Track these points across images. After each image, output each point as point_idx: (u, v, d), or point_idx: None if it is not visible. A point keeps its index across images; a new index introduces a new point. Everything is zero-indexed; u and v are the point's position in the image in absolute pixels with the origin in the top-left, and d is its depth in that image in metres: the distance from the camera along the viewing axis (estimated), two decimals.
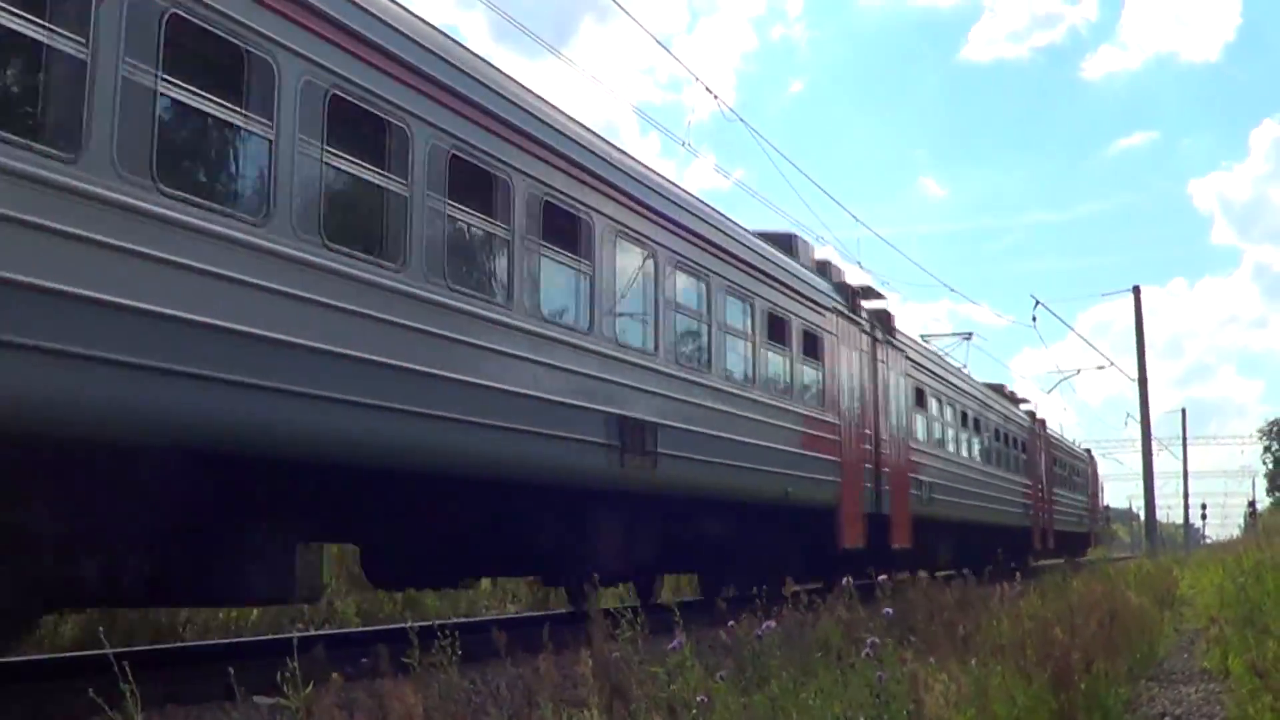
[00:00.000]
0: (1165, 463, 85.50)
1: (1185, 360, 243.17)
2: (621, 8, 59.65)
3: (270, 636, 11.93)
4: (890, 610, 8.27)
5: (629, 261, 12.11)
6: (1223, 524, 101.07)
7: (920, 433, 22.99)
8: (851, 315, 18.90)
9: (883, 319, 20.93)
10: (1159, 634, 13.12)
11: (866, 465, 19.03)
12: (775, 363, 15.72)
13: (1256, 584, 12.68)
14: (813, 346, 17.02)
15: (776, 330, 15.67)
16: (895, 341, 21.39)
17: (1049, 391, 59.68)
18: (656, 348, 12.37)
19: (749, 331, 14.84)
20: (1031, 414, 36.74)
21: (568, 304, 11.07)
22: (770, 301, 15.43)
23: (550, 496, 10.97)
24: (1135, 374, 43.81)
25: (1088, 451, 51.01)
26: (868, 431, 19.29)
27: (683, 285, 13.18)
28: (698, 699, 5.57)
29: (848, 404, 18.29)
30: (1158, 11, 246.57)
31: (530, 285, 10.22)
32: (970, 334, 34.33)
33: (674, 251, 12.85)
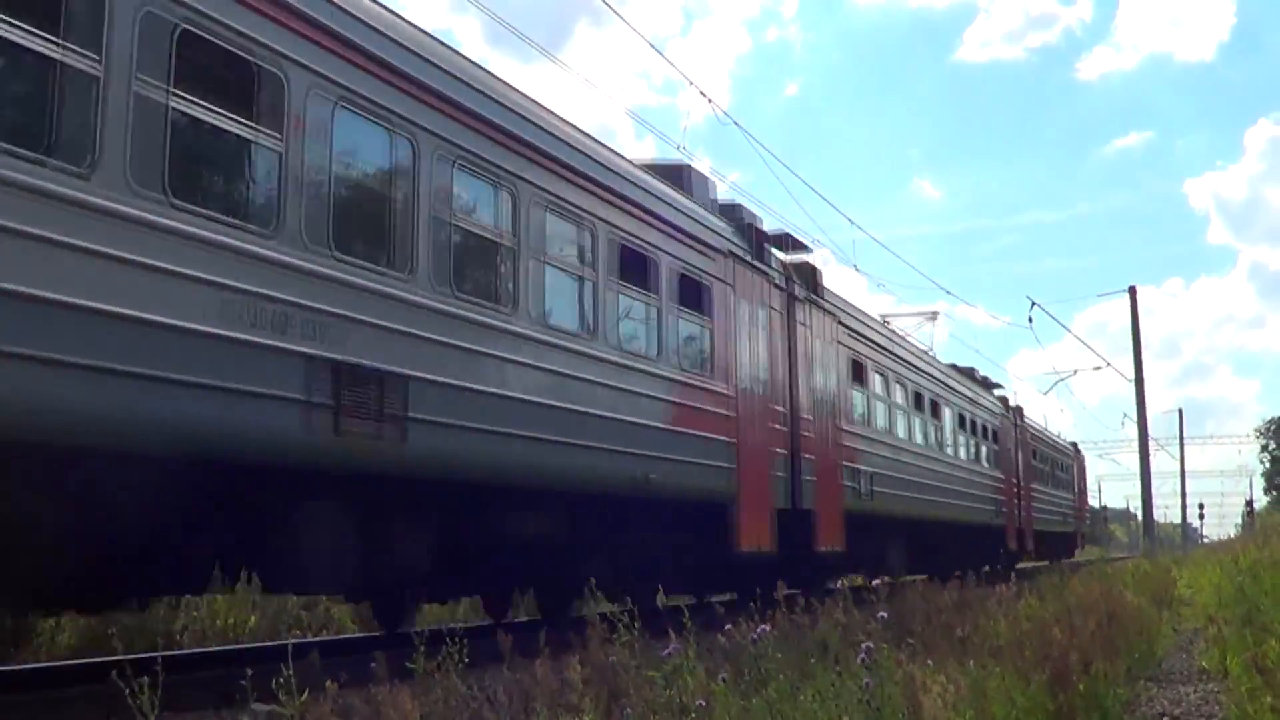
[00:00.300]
0: (1162, 462, 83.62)
1: (1182, 360, 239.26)
2: (615, 11, 56.74)
3: (268, 643, 11.44)
4: (886, 614, 8.08)
5: (361, 144, 8.50)
6: (1220, 523, 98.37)
7: (859, 414, 19.34)
8: (757, 264, 15.26)
9: (805, 274, 17.29)
10: (1157, 634, 12.94)
11: (777, 450, 15.39)
12: (631, 311, 12.09)
13: (1254, 583, 12.51)
14: (695, 296, 13.39)
15: (634, 269, 12.04)
16: (822, 302, 17.73)
17: (1046, 392, 56.86)
18: (412, 269, 8.73)
19: (586, 266, 11.21)
20: (1004, 400, 33.06)
21: (230, 189, 7.46)
22: (624, 231, 11.80)
23: (215, 477, 7.32)
24: (1132, 374, 42.53)
25: (1073, 445, 47.30)
26: (779, 408, 15.65)
27: (466, 191, 9.56)
28: (696, 703, 5.57)
29: (749, 372, 14.65)
30: (1152, 12, 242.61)
31: (142, 151, 6.59)
32: (935, 313, 30.68)
33: (450, 142, 9.22)
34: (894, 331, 23.42)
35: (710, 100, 18.24)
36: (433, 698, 6.20)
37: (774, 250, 16.58)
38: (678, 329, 12.86)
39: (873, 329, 20.63)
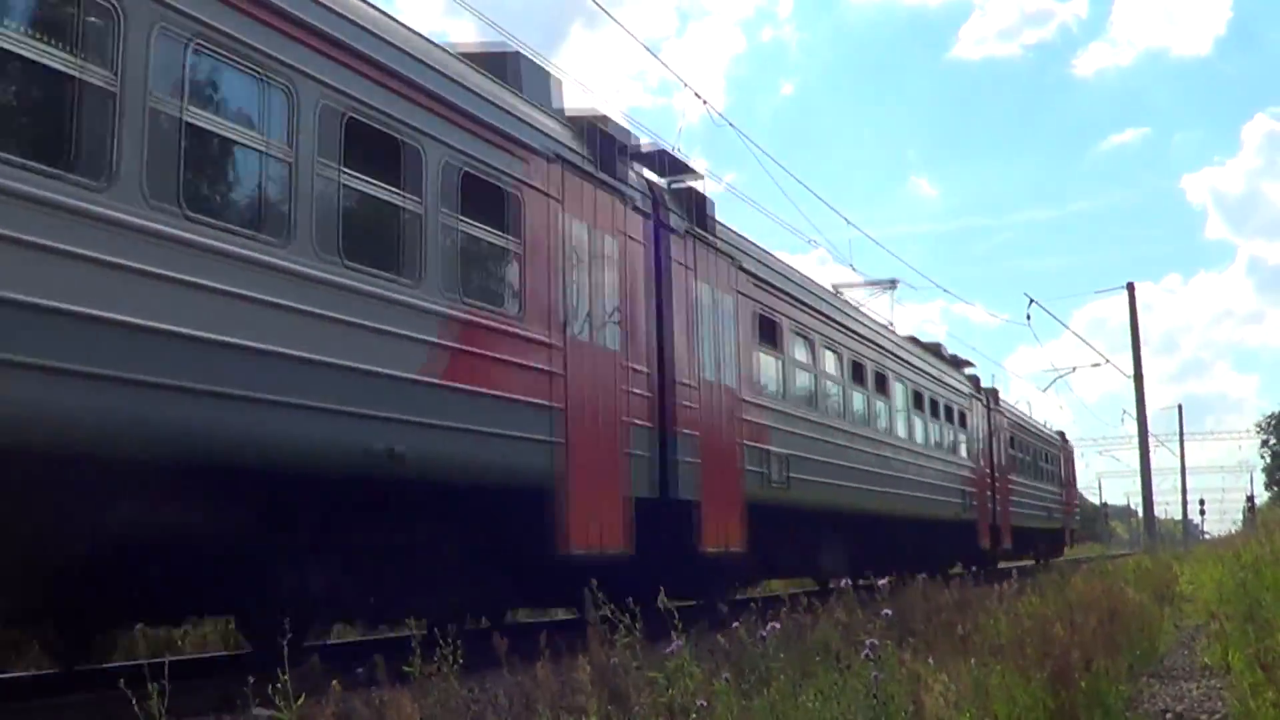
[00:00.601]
0: (1162, 459, 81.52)
1: (1180, 356, 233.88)
2: (609, 15, 54.25)
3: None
4: (890, 612, 8.05)
5: None
6: (1220, 519, 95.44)
7: (770, 384, 15.77)
8: (605, 179, 11.70)
9: (686, 203, 13.72)
10: (1159, 630, 12.83)
11: (636, 421, 11.85)
12: (366, 212, 8.56)
13: (1256, 579, 12.41)
14: (491, 206, 9.85)
15: (373, 155, 8.49)
16: (713, 240, 14.17)
17: (1045, 389, 54.48)
18: None
19: (275, 139, 7.64)
20: (976, 380, 29.45)
21: None
22: (352, 98, 8.25)
23: None
24: (1131, 371, 40.55)
25: (1060, 434, 43.57)
26: (640, 369, 12.11)
27: None
28: (697, 703, 5.50)
29: (586, 317, 11.12)
30: (1148, 7, 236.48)
31: None
32: (894, 281, 27.12)
33: None
34: (823, 288, 19.77)
35: (705, 102, 16.46)
36: (431, 700, 6.05)
37: (641, 170, 13.05)
38: (456, 247, 9.31)
39: (791, 281, 17.03)
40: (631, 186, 12.28)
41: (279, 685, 5.02)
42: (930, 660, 6.79)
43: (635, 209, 12.26)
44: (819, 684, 6.18)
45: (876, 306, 26.75)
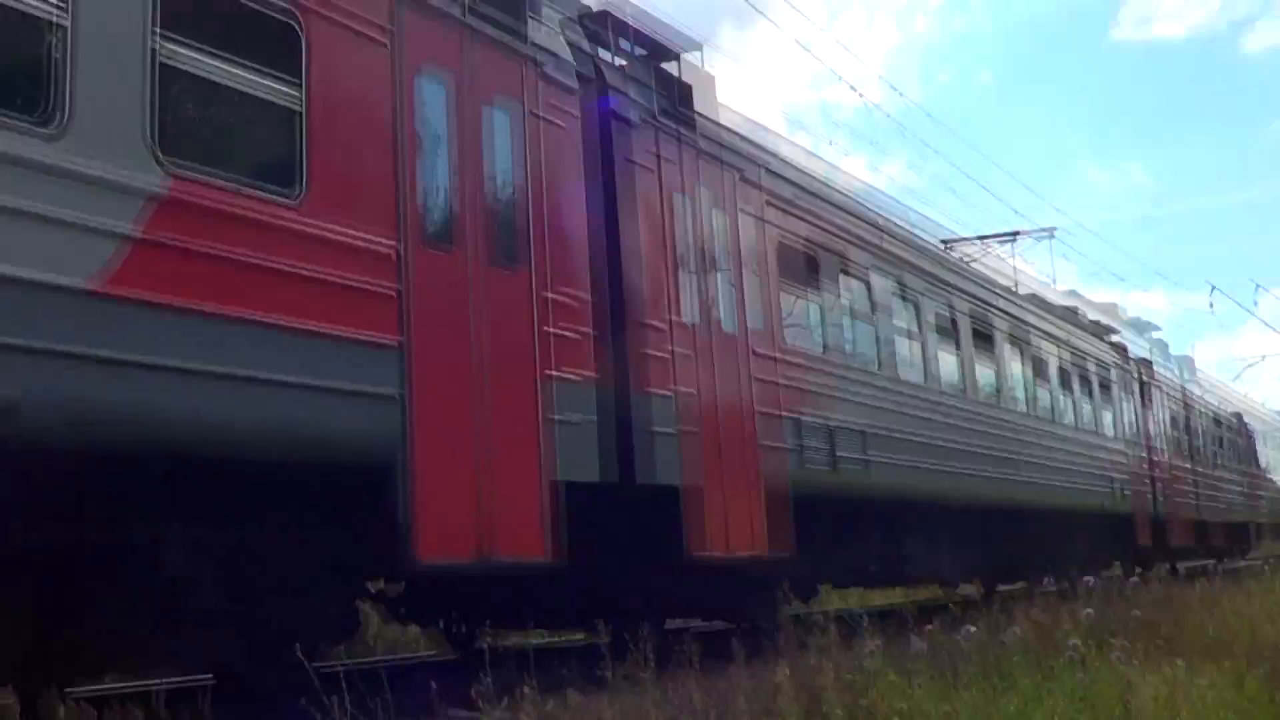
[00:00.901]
0: None
1: None
2: (764, 14, 52.82)
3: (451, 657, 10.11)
4: (1091, 610, 8.39)
5: None
6: None
7: (805, 335, 11.96)
8: (482, 28, 8.16)
9: (653, 84, 10.07)
10: None
11: (562, 375, 8.26)
12: None
13: None
14: (239, 34, 6.43)
15: None
16: (696, 140, 10.47)
17: (1235, 379, 49.85)
18: None
19: None
20: (1123, 349, 24.79)
21: None
22: None
23: None
24: None
25: (1236, 416, 37.85)
26: (573, 300, 8.52)
27: None
28: (899, 707, 5.42)
29: (441, 213, 7.62)
30: None
31: None
32: (1053, 230, 23.09)
33: None
34: (895, 222, 15.72)
35: (861, 95, 14.44)
36: (627, 703, 6.01)
37: (579, 33, 9.50)
38: (151, 85, 5.82)
39: (838, 208, 13.15)
40: (544, 49, 8.72)
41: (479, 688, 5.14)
42: (1134, 662, 6.63)
43: (551, 79, 8.68)
44: (1020, 687, 6.15)
45: (1027, 261, 22.63)
